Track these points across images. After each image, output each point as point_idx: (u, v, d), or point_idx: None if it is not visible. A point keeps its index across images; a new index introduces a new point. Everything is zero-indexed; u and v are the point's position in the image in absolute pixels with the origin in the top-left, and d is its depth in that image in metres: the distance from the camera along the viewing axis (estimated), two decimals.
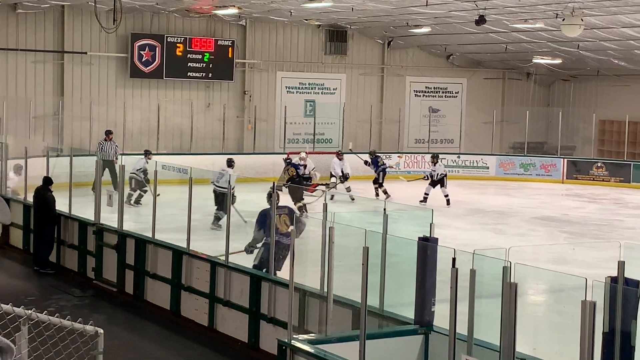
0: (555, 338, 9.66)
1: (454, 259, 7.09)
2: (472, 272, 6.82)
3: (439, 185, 22.91)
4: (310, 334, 8.89)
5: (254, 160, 26.97)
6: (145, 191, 20.81)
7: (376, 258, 9.24)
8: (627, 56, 28.29)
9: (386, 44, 31.17)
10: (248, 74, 28.95)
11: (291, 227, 11.03)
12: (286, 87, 29.80)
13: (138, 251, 13.23)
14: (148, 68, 26.97)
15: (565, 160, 30.26)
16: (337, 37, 30.14)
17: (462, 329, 7.07)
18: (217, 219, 17.90)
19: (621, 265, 6.39)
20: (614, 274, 6.42)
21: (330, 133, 30.17)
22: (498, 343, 6.68)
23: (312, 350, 7.84)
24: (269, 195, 11.40)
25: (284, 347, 8.09)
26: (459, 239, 15.90)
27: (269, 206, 11.41)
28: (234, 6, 24.27)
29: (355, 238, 8.39)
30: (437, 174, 22.98)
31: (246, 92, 28.89)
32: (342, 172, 23.87)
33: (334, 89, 30.63)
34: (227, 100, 28.59)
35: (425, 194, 22.82)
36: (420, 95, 32.43)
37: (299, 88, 30.03)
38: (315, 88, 30.33)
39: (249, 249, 12.10)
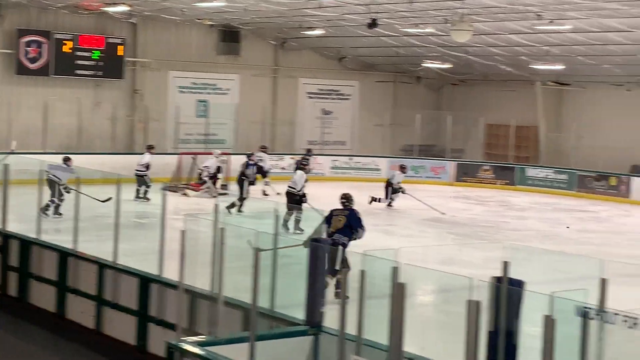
0: (442, 337, 9.81)
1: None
2: (362, 273, 6.88)
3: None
4: (200, 336, 8.80)
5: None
6: (149, 186, 21.48)
7: (267, 259, 9.22)
8: (514, 62, 29.09)
9: (279, 45, 31.20)
10: (139, 72, 28.51)
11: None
12: (178, 86, 29.47)
13: (22, 252, 12.87)
14: (35, 65, 26.24)
15: (454, 163, 30.90)
16: (230, 37, 29.96)
17: (351, 329, 7.11)
18: (297, 221, 17.66)
19: (505, 265, 6.54)
20: (499, 274, 6.56)
21: (223, 134, 29.97)
22: (387, 343, 6.75)
23: (201, 352, 7.76)
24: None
25: (172, 350, 7.99)
26: None
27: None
28: (124, 3, 23.87)
29: (247, 239, 8.35)
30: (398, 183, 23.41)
31: (137, 91, 28.44)
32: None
33: (226, 90, 30.46)
34: (118, 99, 28.09)
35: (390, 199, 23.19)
36: (313, 97, 32.57)
37: (191, 88, 29.74)
38: (207, 88, 30.10)
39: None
